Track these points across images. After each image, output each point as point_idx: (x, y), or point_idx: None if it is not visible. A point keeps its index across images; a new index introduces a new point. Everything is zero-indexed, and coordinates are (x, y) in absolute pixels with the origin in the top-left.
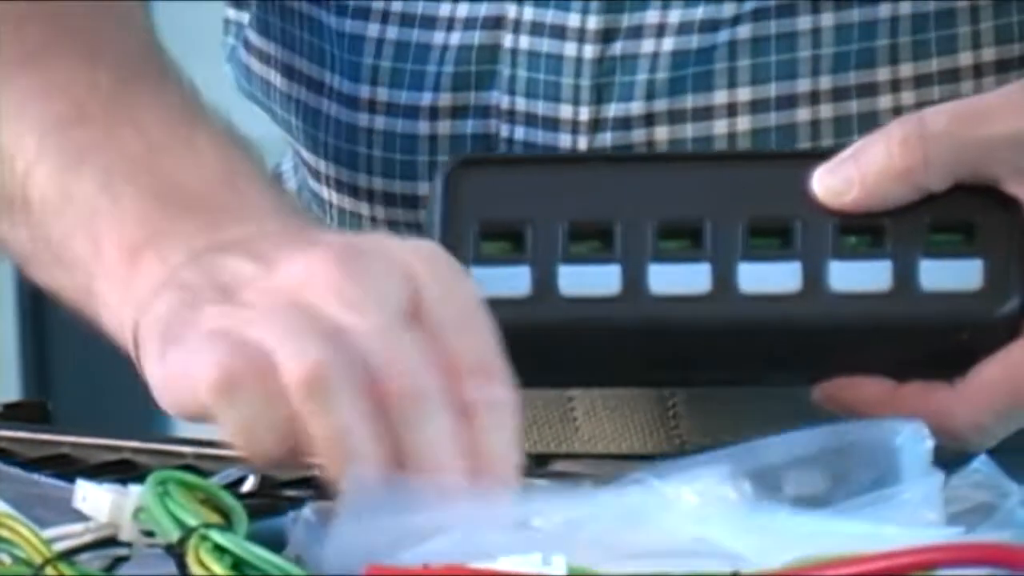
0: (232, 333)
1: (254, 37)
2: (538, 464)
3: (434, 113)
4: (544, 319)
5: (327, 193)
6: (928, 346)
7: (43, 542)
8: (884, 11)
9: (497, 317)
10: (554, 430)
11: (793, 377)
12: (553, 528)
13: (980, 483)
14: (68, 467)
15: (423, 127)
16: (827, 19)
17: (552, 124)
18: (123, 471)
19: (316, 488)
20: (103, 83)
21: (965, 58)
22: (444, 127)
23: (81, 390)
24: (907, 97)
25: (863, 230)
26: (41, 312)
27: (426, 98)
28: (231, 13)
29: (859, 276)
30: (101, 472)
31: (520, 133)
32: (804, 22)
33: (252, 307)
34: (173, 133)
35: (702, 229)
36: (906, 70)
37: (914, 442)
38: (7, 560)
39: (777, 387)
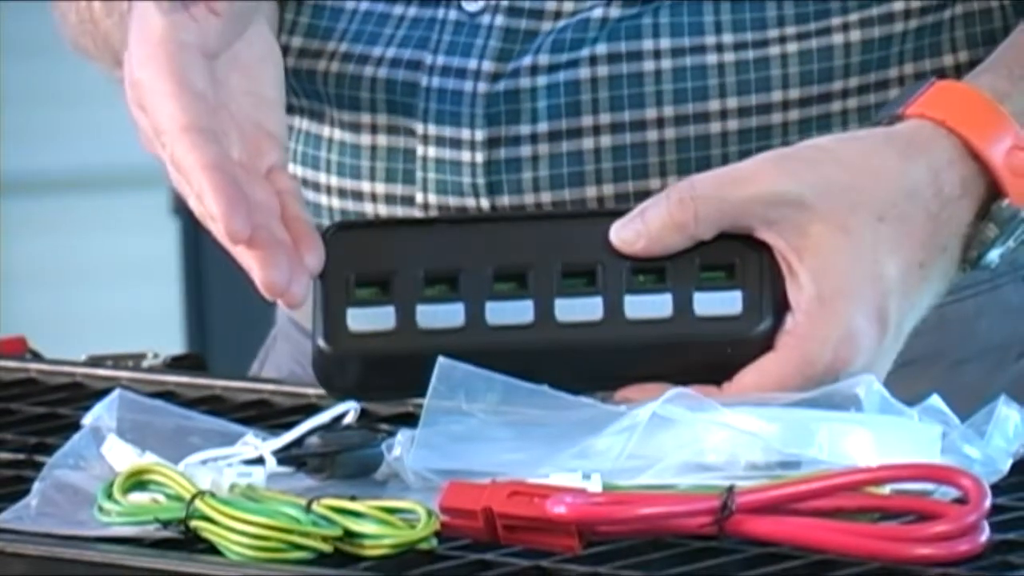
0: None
1: None
2: None
3: (374, 129)
4: (406, 348)
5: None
6: (702, 358)
7: (190, 481)
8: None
9: (369, 347)
10: None
11: (599, 385)
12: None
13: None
14: (219, 405)
15: (365, 140)
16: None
17: (456, 144)
18: (261, 408)
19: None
20: None
21: (838, 84)
22: (381, 140)
23: (232, 343)
24: (793, 115)
25: (650, 271)
26: (200, 278)
27: (365, 118)
28: None
29: (647, 306)
30: (244, 408)
31: (432, 152)
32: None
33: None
34: None
35: (526, 274)
36: (793, 93)
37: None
38: (162, 499)
39: (588, 392)
